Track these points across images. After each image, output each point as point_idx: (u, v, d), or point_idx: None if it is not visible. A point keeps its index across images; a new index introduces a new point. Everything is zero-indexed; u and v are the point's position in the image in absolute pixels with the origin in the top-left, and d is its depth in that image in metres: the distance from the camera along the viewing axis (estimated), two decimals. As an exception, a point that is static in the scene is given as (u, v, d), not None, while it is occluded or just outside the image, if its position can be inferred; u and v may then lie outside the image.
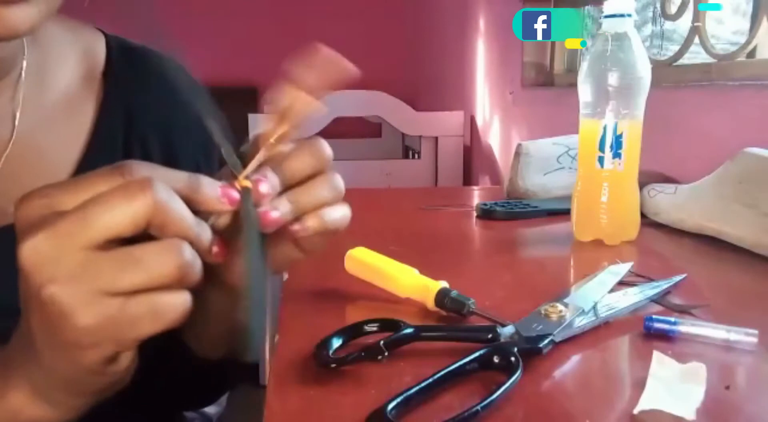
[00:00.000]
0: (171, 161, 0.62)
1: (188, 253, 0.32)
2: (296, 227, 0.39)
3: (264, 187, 0.37)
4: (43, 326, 0.33)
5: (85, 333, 0.32)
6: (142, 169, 0.33)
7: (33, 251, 0.31)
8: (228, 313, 0.48)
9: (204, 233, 0.34)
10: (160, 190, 0.32)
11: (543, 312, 0.45)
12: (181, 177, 0.34)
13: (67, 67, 0.59)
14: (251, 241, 0.36)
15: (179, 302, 0.32)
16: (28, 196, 0.33)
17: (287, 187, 0.39)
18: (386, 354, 0.39)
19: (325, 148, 0.40)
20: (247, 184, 0.36)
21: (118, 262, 0.31)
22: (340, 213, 0.40)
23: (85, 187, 0.32)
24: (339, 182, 0.40)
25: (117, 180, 0.32)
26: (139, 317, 0.32)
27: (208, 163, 0.66)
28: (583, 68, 0.71)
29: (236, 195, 0.35)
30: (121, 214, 0.31)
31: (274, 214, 0.37)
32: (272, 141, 0.38)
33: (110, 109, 0.59)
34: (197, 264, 0.33)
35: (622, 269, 0.55)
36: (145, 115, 0.61)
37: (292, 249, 0.41)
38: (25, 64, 0.55)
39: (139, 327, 0.32)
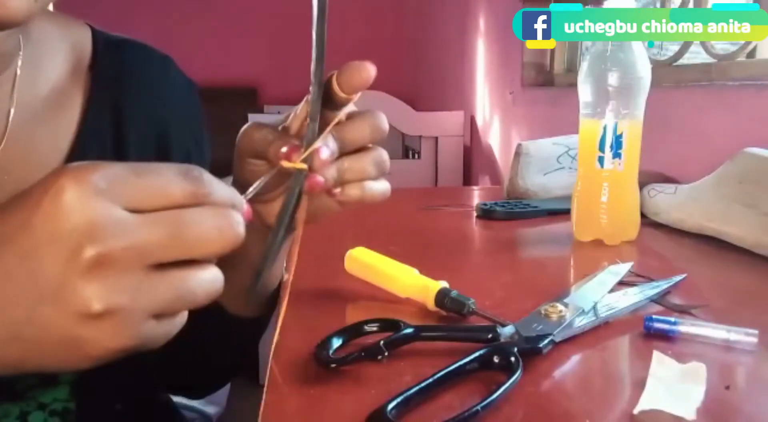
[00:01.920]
0: (163, 150, 0.63)
1: (221, 282, 0.33)
2: (337, 192, 0.43)
3: (325, 154, 0.40)
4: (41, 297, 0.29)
5: (105, 352, 0.30)
6: (210, 185, 0.32)
7: (99, 256, 0.29)
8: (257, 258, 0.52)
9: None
10: (241, 227, 0.32)
11: (543, 312, 0.45)
12: (228, 193, 0.34)
13: (57, 62, 0.60)
14: (291, 198, 0.40)
15: (211, 277, 0.32)
16: (82, 175, 0.29)
17: (341, 154, 0.42)
18: (386, 354, 0.39)
19: (383, 122, 0.44)
20: (303, 166, 0.39)
21: (174, 288, 0.31)
22: (380, 188, 0.44)
23: (159, 190, 0.31)
24: (385, 158, 0.44)
25: (190, 192, 0.31)
26: (169, 295, 0.31)
27: (199, 151, 0.67)
28: (583, 68, 0.71)
29: (251, 213, 0.36)
30: (209, 247, 0.31)
31: (319, 180, 0.40)
32: (341, 117, 0.42)
33: (98, 102, 0.60)
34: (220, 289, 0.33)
35: (622, 269, 0.55)
36: (133, 107, 0.62)
37: (332, 203, 0.45)
38: (20, 60, 0.56)
39: (159, 341, 0.32)
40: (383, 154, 0.44)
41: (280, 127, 0.45)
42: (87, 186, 0.29)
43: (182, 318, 0.32)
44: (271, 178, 0.41)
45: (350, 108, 0.44)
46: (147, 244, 0.30)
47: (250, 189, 0.39)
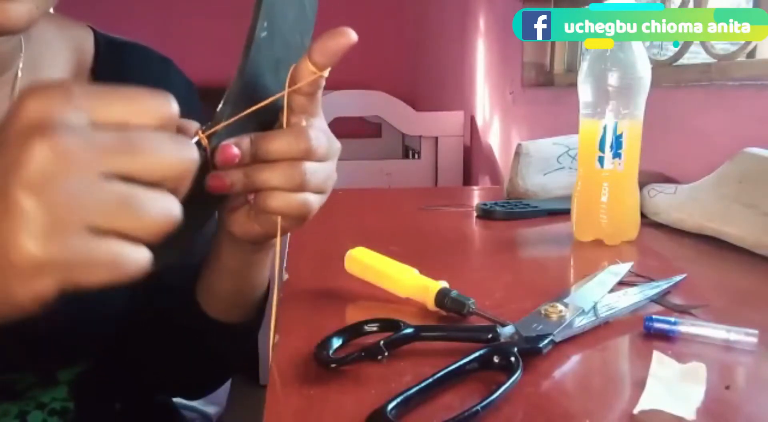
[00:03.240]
0: None
1: (178, 215, 0.31)
2: (250, 198, 0.42)
3: (229, 151, 0.39)
4: None
5: (31, 262, 0.28)
6: (178, 110, 0.32)
7: (51, 146, 0.27)
8: (241, 269, 0.51)
9: None
10: (197, 156, 0.31)
11: (543, 312, 0.45)
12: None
13: (59, 63, 0.60)
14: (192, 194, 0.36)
15: (143, 258, 0.30)
16: (47, 91, 0.29)
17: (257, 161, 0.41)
18: (386, 354, 0.39)
19: (310, 140, 0.42)
20: (205, 141, 0.39)
21: (119, 199, 0.29)
22: (296, 200, 0.43)
23: (123, 102, 0.30)
24: (305, 171, 0.42)
25: (155, 112, 0.31)
26: (99, 263, 0.29)
27: None
28: (583, 68, 0.71)
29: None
30: (161, 167, 0.30)
31: (221, 177, 0.40)
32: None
33: None
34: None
35: (622, 269, 0.55)
36: None
37: (266, 218, 0.44)
38: (22, 61, 0.56)
39: (92, 274, 0.29)
40: (301, 169, 0.42)
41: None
42: (53, 91, 0.29)
43: (134, 251, 0.30)
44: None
45: (321, 117, 0.44)
46: (102, 149, 0.28)
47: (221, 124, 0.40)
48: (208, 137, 0.40)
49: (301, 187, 0.42)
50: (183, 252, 0.40)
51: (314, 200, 0.44)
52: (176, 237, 0.35)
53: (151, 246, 0.31)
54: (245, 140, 0.41)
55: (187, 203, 0.36)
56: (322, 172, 0.44)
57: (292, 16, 0.43)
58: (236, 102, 0.40)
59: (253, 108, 0.41)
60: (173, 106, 0.31)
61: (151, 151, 0.30)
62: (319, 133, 0.43)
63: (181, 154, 0.30)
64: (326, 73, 0.42)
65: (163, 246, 0.32)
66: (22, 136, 0.28)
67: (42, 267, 0.28)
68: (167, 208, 0.30)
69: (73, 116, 0.28)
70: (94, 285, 0.29)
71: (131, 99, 0.30)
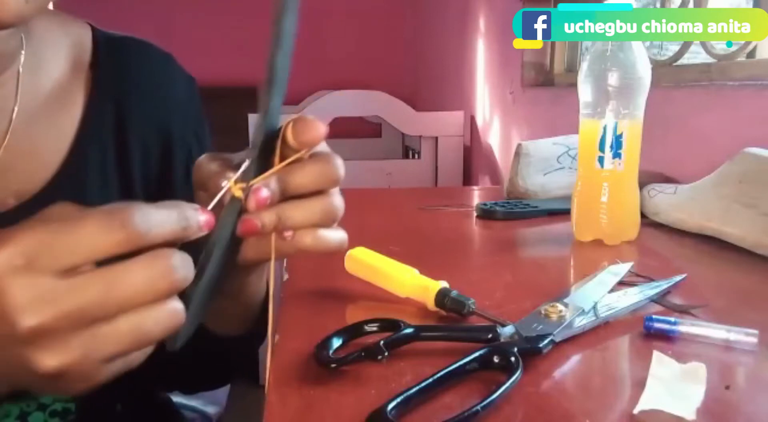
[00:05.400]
0: (165, 147, 0.63)
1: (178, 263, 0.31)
2: (288, 235, 0.39)
3: (262, 195, 0.37)
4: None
5: (53, 372, 0.30)
6: (141, 224, 0.31)
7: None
8: (240, 289, 0.51)
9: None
10: (181, 271, 0.31)
11: (543, 312, 0.45)
12: (172, 220, 0.32)
13: (59, 60, 0.60)
14: (218, 243, 0.37)
15: (166, 314, 0.31)
16: (19, 238, 0.30)
17: (288, 198, 0.39)
18: (386, 354, 0.39)
19: (336, 169, 0.40)
20: (239, 193, 0.37)
21: (125, 335, 0.31)
22: (335, 238, 0.41)
23: (83, 243, 0.30)
24: (337, 207, 0.40)
25: (116, 238, 0.30)
26: (123, 343, 0.31)
27: (200, 146, 0.67)
28: (583, 68, 0.71)
29: (213, 220, 0.35)
30: (144, 298, 0.30)
31: (254, 222, 0.38)
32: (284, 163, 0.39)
33: (99, 100, 0.61)
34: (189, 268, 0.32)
35: (622, 269, 0.55)
36: (135, 105, 0.62)
37: (286, 246, 0.41)
38: (23, 58, 0.56)
39: (122, 353, 0.31)
40: (334, 202, 0.40)
41: (235, 162, 0.41)
42: (7, 265, 0.29)
43: (143, 352, 0.33)
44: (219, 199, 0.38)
45: (322, 147, 0.41)
46: (81, 308, 0.30)
47: (213, 201, 0.37)
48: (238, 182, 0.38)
49: (335, 221, 0.41)
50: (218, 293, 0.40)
51: (344, 234, 0.42)
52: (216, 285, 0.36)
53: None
54: (273, 180, 0.38)
55: (220, 251, 0.36)
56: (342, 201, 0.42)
57: (293, 34, 0.40)
58: (257, 140, 0.38)
59: (284, 163, 0.39)
60: (136, 219, 0.30)
61: (121, 291, 0.30)
62: (339, 159, 0.41)
63: (155, 283, 0.31)
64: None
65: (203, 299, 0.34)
66: (5, 324, 0.29)
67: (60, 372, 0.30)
68: (170, 318, 0.31)
69: (40, 284, 0.29)
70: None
71: (85, 233, 0.30)
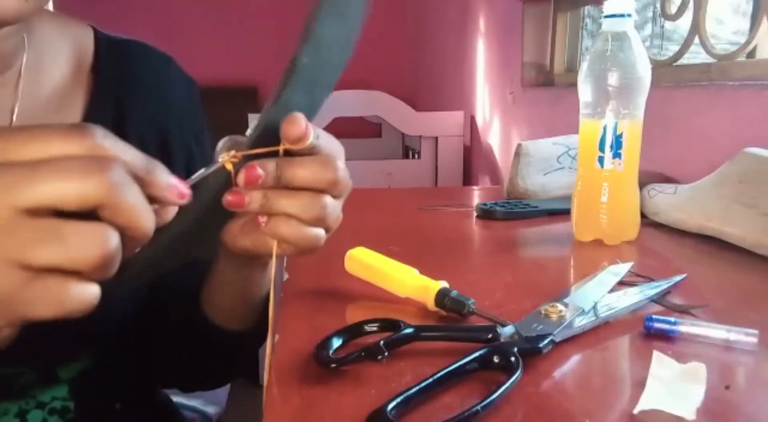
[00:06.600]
0: (165, 148, 0.64)
1: (114, 243, 0.29)
2: (262, 221, 0.41)
3: (254, 172, 0.38)
4: None
5: None
6: (105, 140, 0.30)
7: None
8: (238, 284, 0.51)
9: (151, 222, 0.32)
10: (119, 175, 0.29)
11: (543, 312, 0.45)
12: (139, 158, 0.32)
13: (60, 62, 0.60)
14: (203, 212, 0.38)
15: (88, 293, 0.29)
16: None
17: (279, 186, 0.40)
18: (386, 354, 0.39)
19: (334, 170, 0.40)
20: (229, 166, 0.38)
21: (42, 233, 0.28)
22: (309, 234, 0.41)
23: (39, 141, 0.29)
24: (324, 207, 0.41)
25: (76, 144, 0.30)
26: (40, 299, 0.29)
27: (200, 147, 0.67)
28: (583, 68, 0.71)
29: (186, 191, 0.34)
30: (71, 188, 0.28)
31: (241, 195, 0.39)
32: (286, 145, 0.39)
33: (100, 101, 0.61)
34: (118, 259, 0.30)
35: (622, 269, 0.55)
36: (135, 106, 0.63)
37: (265, 241, 0.43)
38: (25, 59, 0.56)
39: (35, 309, 0.29)
40: (324, 202, 0.41)
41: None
42: None
43: (77, 287, 0.29)
44: (212, 171, 0.39)
45: (326, 140, 0.41)
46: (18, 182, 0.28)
47: (194, 176, 0.37)
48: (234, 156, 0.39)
49: (317, 221, 0.41)
50: (186, 260, 0.39)
51: (323, 236, 0.42)
52: (182, 249, 0.36)
53: (151, 258, 0.32)
54: (271, 163, 0.39)
55: (200, 215, 0.37)
56: (337, 209, 0.42)
57: (338, 39, 0.41)
58: (267, 127, 0.39)
59: (282, 147, 0.39)
60: (116, 179, 0.29)
61: (59, 245, 0.28)
62: (343, 166, 0.42)
63: (97, 248, 0.29)
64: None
65: (162, 257, 0.33)
66: None
67: None
68: (98, 237, 0.29)
69: None
70: (41, 320, 0.29)
71: (59, 174, 0.28)
